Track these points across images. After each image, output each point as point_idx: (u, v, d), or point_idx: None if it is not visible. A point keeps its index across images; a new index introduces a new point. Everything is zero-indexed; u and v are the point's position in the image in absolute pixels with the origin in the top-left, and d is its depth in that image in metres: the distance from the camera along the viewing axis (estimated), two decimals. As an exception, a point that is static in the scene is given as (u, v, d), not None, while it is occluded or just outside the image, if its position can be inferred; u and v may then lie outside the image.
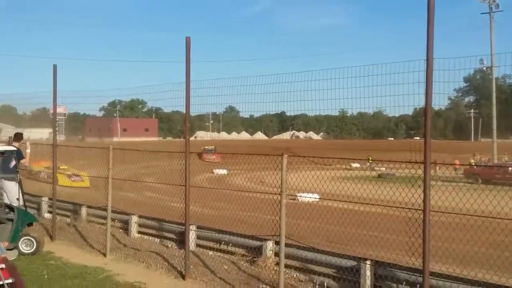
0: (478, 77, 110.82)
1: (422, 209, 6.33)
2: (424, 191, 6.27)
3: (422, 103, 6.57)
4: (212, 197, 13.15)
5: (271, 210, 8.82)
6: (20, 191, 11.28)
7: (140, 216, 13.08)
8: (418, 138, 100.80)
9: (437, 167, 22.35)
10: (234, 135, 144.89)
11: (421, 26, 6.09)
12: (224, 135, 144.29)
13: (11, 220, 10.67)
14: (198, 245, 11.25)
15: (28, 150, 12.44)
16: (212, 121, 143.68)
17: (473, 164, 43.92)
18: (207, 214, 16.06)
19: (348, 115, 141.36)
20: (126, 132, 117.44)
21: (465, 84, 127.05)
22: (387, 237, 12.50)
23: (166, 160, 12.52)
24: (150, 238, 12.61)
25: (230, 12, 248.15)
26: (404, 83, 6.93)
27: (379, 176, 40.10)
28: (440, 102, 6.60)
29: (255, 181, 30.68)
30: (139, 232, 12.89)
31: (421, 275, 6.49)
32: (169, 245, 11.83)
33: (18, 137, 12.85)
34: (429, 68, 6.17)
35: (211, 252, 10.93)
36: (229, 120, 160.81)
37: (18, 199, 11.20)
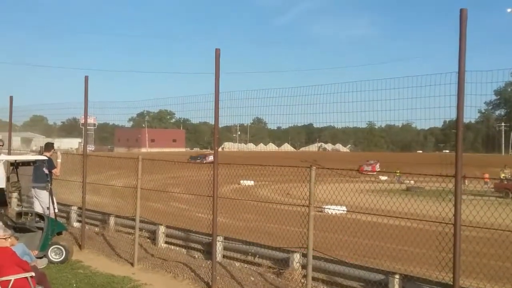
0: (509, 89, 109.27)
1: (453, 223, 6.24)
2: (455, 205, 6.18)
3: (451, 116, 6.50)
4: (239, 209, 13.13)
5: (298, 222, 8.78)
6: (51, 200, 11.43)
7: (167, 226, 13.14)
8: (447, 151, 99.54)
9: (466, 181, 22.01)
10: (261, 147, 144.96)
11: (451, 36, 6.04)
12: (251, 146, 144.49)
13: (41, 228, 10.81)
14: (224, 256, 11.25)
15: (59, 160, 12.61)
16: (239, 132, 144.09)
17: (504, 178, 43.20)
18: (233, 225, 16.04)
19: (376, 127, 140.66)
20: (154, 143, 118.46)
21: (496, 97, 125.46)
22: (416, 251, 12.35)
23: (194, 170, 12.57)
24: (177, 248, 12.65)
25: (259, 24, 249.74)
26: (434, 96, 6.85)
27: (407, 189, 39.68)
28: (470, 115, 6.49)
29: (280, 193, 30.63)
30: (166, 242, 12.94)
31: (451, 290, 6.38)
32: (196, 256, 11.85)
33: (49, 147, 13.04)
34: (461, 81, 6.11)
35: (237, 264, 10.92)
36: (256, 131, 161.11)
37: (48, 208, 11.34)
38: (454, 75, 6.26)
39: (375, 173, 47.90)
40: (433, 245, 7.44)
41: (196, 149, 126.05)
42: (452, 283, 6.36)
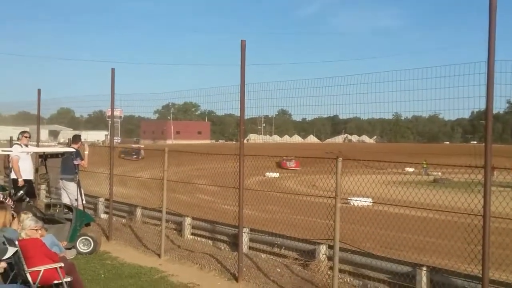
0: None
1: (482, 215, 6.15)
2: (485, 197, 6.08)
3: (479, 106, 6.38)
4: (264, 200, 13.13)
5: (324, 214, 8.75)
6: (79, 191, 11.57)
7: (193, 218, 13.21)
8: (475, 142, 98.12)
9: (495, 172, 21.70)
10: (286, 138, 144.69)
11: (481, 26, 5.93)
12: (276, 138, 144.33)
13: (70, 220, 10.95)
14: (250, 248, 11.27)
15: (87, 152, 12.74)
16: (264, 124, 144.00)
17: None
18: (259, 217, 16.07)
19: (403, 118, 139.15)
20: (179, 135, 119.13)
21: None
22: (444, 243, 12.21)
23: (219, 162, 12.61)
24: (203, 240, 12.72)
25: (284, 14, 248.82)
26: (461, 86, 6.73)
27: (434, 180, 39.30)
28: (500, 105, 6.36)
29: (306, 185, 30.56)
30: (192, 234, 13.02)
31: (480, 283, 6.30)
32: (222, 247, 11.90)
33: (76, 139, 13.19)
34: (490, 70, 5.99)
35: (263, 255, 10.93)
36: (281, 123, 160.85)
37: (76, 199, 11.48)
38: (483, 65, 6.14)
39: (298, 169, 46.15)
40: (461, 237, 7.36)
41: (222, 141, 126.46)
42: (481, 276, 6.28)
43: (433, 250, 11.63)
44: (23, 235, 7.25)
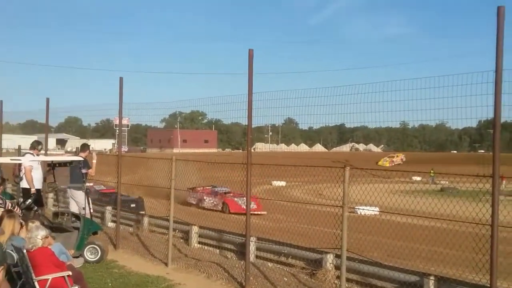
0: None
1: (490, 224, 6.13)
2: (493, 206, 6.07)
3: (486, 115, 6.39)
4: (271, 209, 13.14)
5: (330, 223, 8.73)
6: (86, 200, 11.60)
7: (200, 227, 13.22)
8: (482, 151, 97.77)
9: (503, 181, 21.63)
10: (293, 147, 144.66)
11: (489, 35, 5.94)
12: (283, 147, 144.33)
13: (77, 228, 10.98)
14: (257, 257, 11.25)
15: (94, 161, 12.79)
16: (271, 133, 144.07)
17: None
18: (266, 225, 16.06)
19: (410, 127, 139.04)
20: (186, 144, 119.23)
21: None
22: (452, 253, 12.15)
23: (226, 171, 12.63)
24: (210, 248, 12.71)
25: (292, 23, 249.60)
26: (469, 95, 6.74)
27: (442, 189, 39.13)
28: (509, 114, 6.36)
29: (312, 194, 30.50)
30: (200, 243, 13.01)
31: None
32: (229, 256, 11.89)
33: (84, 147, 13.26)
34: (498, 79, 6.00)
35: (270, 264, 10.91)
36: (288, 132, 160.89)
37: (84, 208, 11.52)
38: (491, 74, 6.16)
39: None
40: (469, 246, 7.33)
41: (228, 150, 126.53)
42: (489, 285, 6.25)
43: (440, 259, 11.58)
44: (30, 244, 7.27)
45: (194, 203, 27.68)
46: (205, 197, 28.16)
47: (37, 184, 12.06)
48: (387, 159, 47.28)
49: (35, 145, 12.61)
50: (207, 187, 29.10)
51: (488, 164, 6.19)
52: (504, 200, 6.88)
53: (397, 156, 56.11)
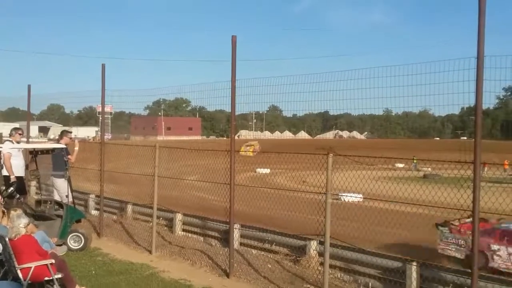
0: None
1: (471, 210, 6.19)
2: (474, 192, 6.13)
3: (469, 102, 6.42)
4: (255, 196, 13.14)
5: (314, 210, 8.77)
6: (69, 188, 11.52)
7: (184, 214, 13.20)
8: (465, 138, 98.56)
9: (485, 168, 21.84)
10: (277, 134, 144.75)
11: (471, 22, 5.96)
12: (267, 134, 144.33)
13: (60, 216, 10.91)
14: (241, 244, 11.29)
15: (76, 148, 12.68)
16: (255, 120, 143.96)
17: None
18: (250, 213, 16.08)
19: (393, 114, 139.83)
20: (170, 131, 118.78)
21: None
22: (434, 238, 12.27)
23: (210, 158, 12.60)
24: (194, 236, 12.72)
25: (277, 10, 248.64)
26: (451, 82, 6.77)
27: (424, 176, 39.42)
28: (489, 101, 6.40)
29: (296, 181, 30.57)
30: (184, 230, 13.01)
31: (469, 278, 6.35)
32: (213, 243, 11.91)
33: (63, 134, 13.11)
34: (480, 66, 6.03)
35: (254, 251, 10.96)
36: (272, 119, 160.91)
37: (67, 196, 11.44)
38: (473, 60, 6.18)
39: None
40: (451, 232, 7.39)
41: (212, 137, 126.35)
42: (470, 271, 6.33)
43: (424, 246, 11.70)
44: (14, 233, 7.22)
45: (460, 256, 11.95)
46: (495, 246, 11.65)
47: (19, 171, 11.92)
48: (249, 148, 45.55)
49: (13, 132, 12.47)
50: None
51: (470, 150, 6.23)
52: (485, 186, 6.94)
53: (256, 145, 53.06)
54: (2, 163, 12.00)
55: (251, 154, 41.62)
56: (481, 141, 6.15)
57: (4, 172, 11.96)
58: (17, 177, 11.82)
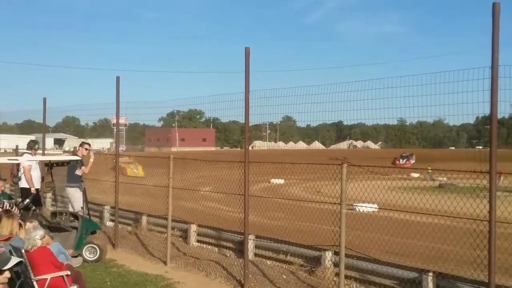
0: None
1: (488, 220, 6.15)
2: (490, 202, 6.08)
3: (484, 112, 6.41)
4: (269, 207, 13.14)
5: (329, 220, 8.75)
6: (84, 199, 11.60)
7: (199, 225, 13.22)
8: (480, 147, 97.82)
9: (501, 177, 21.64)
10: (291, 145, 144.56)
11: (485, 32, 5.95)
12: (281, 144, 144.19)
13: (76, 228, 10.98)
14: (256, 255, 11.27)
15: (92, 160, 12.78)
16: (269, 131, 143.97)
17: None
18: (264, 223, 16.07)
19: (407, 124, 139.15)
20: (184, 142, 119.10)
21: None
22: (450, 249, 12.16)
23: (225, 169, 12.62)
24: (209, 247, 12.72)
25: (290, 22, 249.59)
26: (466, 92, 6.75)
27: (440, 186, 39.17)
28: (504, 110, 6.38)
29: (311, 191, 30.51)
30: (198, 241, 13.02)
31: (487, 288, 6.29)
32: (228, 254, 11.90)
33: (82, 145, 13.22)
34: (494, 75, 6.02)
35: (269, 262, 10.93)
36: (286, 129, 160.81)
37: (82, 207, 11.51)
38: (487, 70, 6.17)
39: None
40: (467, 242, 7.34)
41: (226, 148, 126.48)
42: (487, 281, 6.27)
43: (439, 256, 11.59)
44: (30, 245, 7.27)
45: None
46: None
47: (36, 183, 12.07)
48: (136, 170, 39.68)
49: (31, 145, 12.62)
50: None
51: (485, 160, 6.20)
52: (501, 196, 6.88)
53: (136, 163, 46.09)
54: (20, 175, 12.14)
55: (141, 174, 36.31)
56: (497, 150, 6.12)
57: (23, 184, 12.10)
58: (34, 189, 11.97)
